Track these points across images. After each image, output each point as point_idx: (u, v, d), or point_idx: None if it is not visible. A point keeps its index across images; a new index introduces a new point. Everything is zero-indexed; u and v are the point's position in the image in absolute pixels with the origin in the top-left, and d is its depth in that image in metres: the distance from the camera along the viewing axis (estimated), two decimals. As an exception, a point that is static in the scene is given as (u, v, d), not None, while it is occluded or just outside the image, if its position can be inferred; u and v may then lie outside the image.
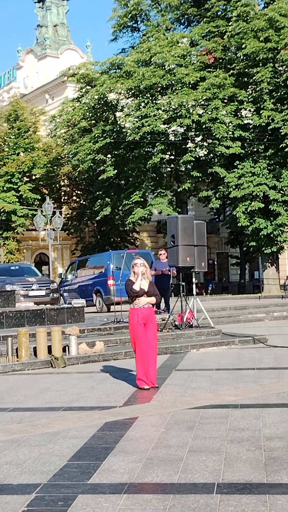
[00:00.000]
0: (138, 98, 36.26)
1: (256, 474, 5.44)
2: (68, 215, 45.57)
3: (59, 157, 43.54)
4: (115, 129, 37.99)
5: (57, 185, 45.66)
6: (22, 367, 12.33)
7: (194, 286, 17.12)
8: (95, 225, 46.21)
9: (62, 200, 46.51)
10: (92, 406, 8.62)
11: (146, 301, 9.79)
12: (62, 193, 46.74)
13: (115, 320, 16.47)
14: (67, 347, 13.18)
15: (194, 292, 17.09)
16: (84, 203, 46.46)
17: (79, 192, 46.92)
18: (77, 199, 47.15)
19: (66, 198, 46.99)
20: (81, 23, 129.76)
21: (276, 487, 5.12)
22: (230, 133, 34.52)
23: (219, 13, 37.89)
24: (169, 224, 16.33)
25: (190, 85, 35.02)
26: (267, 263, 36.74)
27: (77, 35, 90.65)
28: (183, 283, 15.99)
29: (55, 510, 4.78)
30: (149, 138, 35.24)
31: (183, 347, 14.25)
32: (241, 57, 34.46)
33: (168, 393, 9.36)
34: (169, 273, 18.34)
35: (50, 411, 8.45)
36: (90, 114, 39.32)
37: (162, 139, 35.92)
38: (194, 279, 17.18)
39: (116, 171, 37.96)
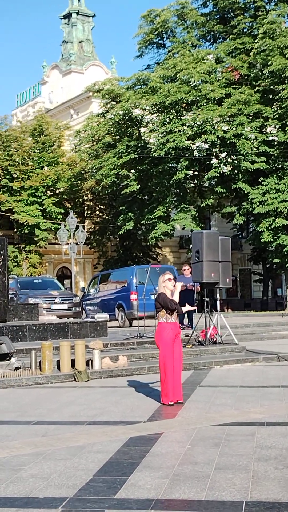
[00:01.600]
0: (163, 114, 36.35)
1: (284, 493, 5.36)
2: (90, 230, 45.66)
3: (83, 172, 43.67)
4: (139, 145, 38.10)
5: (81, 200, 45.80)
6: (45, 380, 12.31)
7: (218, 302, 17.02)
8: (118, 239, 46.26)
9: (85, 214, 46.63)
10: (116, 421, 8.58)
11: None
12: (85, 207, 46.87)
13: (138, 335, 16.42)
14: (90, 361, 13.15)
15: (218, 308, 16.99)
16: (107, 217, 46.56)
17: (102, 206, 47.02)
18: (100, 214, 47.24)
19: (89, 212, 47.12)
20: (106, 39, 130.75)
21: (306, 506, 5.03)
22: (255, 149, 34.47)
23: (245, 30, 38.06)
24: (194, 240, 16.28)
25: (215, 101, 35.07)
26: (291, 280, 36.55)
27: (102, 51, 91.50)
28: (207, 299, 15.91)
29: (82, 525, 4.74)
30: (173, 154, 35.28)
31: (206, 363, 14.17)
32: (267, 74, 34.47)
33: (193, 409, 9.30)
34: (193, 288, 18.23)
35: (74, 425, 8.41)
36: (115, 130, 39.45)
37: (187, 155, 35.94)
38: (218, 295, 17.10)
39: (139, 186, 38.01)
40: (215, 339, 16.20)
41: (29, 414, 9.31)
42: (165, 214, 36.94)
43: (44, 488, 5.70)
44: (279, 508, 5.01)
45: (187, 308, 10.39)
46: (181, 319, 17.79)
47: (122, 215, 39.56)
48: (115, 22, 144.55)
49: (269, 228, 34.21)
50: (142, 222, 39.05)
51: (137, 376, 13.03)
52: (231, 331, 16.79)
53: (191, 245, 39.81)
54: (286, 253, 34.70)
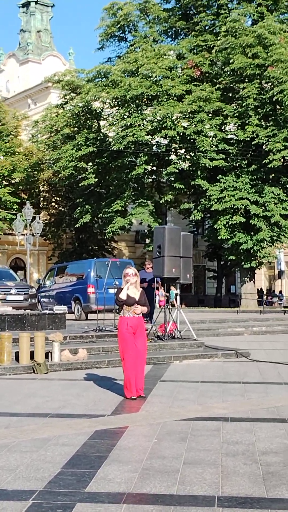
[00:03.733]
0: (123, 107, 36.23)
1: (255, 489, 5.37)
2: (46, 221, 45.27)
3: (40, 162, 43.32)
4: (98, 138, 37.95)
5: (37, 190, 45.38)
6: (3, 372, 12.15)
7: (178, 297, 17.03)
8: (73, 232, 46.03)
9: (40, 205, 46.20)
10: (80, 414, 8.50)
11: (143, 310, 9.74)
12: (41, 198, 46.45)
13: (97, 328, 16.34)
14: (49, 353, 13.01)
15: (178, 304, 17.00)
16: (63, 209, 46.24)
17: (58, 198, 46.69)
18: (56, 205, 46.91)
19: (45, 203, 46.72)
20: (64, 30, 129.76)
21: (278, 502, 5.05)
22: (214, 146, 34.60)
23: (207, 27, 38.09)
24: (156, 235, 16.24)
25: (176, 98, 35.09)
26: (246, 278, 36.82)
27: (60, 42, 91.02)
28: (168, 294, 15.91)
29: (54, 518, 4.67)
30: (132, 148, 35.20)
31: (166, 358, 14.16)
32: (228, 72, 34.60)
33: (156, 403, 9.27)
34: (154, 283, 18.18)
35: (38, 417, 8.30)
36: (74, 121, 39.21)
37: (146, 149, 35.91)
38: (178, 291, 17.09)
39: (97, 179, 37.87)
40: (174, 334, 16.21)
41: (-10, 405, 9.17)
42: (123, 209, 36.87)
43: (12, 480, 5.60)
44: (251, 503, 5.02)
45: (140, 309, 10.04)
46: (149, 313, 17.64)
47: (79, 208, 39.35)
48: (73, 13, 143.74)
49: (226, 225, 34.41)
50: (99, 216, 38.91)
51: (97, 369, 12.96)
52: (190, 327, 16.82)
53: (147, 240, 40.12)
54: (241, 251, 34.96)
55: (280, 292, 55.32)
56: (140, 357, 9.70)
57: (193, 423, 7.92)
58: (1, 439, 7.10)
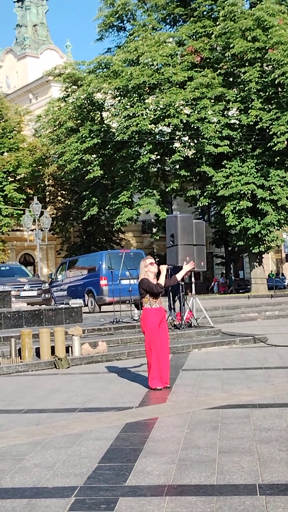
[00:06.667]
0: (126, 97, 36.12)
1: (295, 475, 5.38)
2: (53, 215, 45.28)
3: (45, 157, 43.27)
4: (102, 129, 37.90)
5: (42, 185, 45.36)
6: (26, 368, 12.19)
7: (193, 285, 17.03)
8: (81, 225, 46.04)
9: (47, 200, 46.21)
10: (107, 407, 8.52)
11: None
12: (47, 193, 46.44)
13: (114, 320, 16.36)
14: (69, 347, 13.05)
15: (194, 292, 17.00)
16: (69, 203, 46.24)
17: (64, 192, 46.68)
18: (62, 199, 46.90)
19: (51, 198, 46.72)
20: (60, 23, 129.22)
21: None
22: (218, 132, 34.47)
23: (205, 13, 37.83)
24: (168, 224, 16.23)
25: (178, 85, 34.94)
26: (255, 263, 36.75)
27: (56, 35, 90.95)
28: (183, 283, 15.91)
29: (99, 513, 4.69)
30: (136, 138, 35.12)
31: (184, 347, 14.18)
32: (229, 57, 34.43)
33: (182, 393, 9.28)
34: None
35: (66, 413, 8.32)
36: (77, 114, 39.13)
37: (150, 139, 35.82)
38: (193, 279, 17.10)
39: (102, 171, 37.83)
40: (190, 323, 16.22)
41: (17, 402, 9.19)
42: (129, 199, 36.82)
43: (51, 477, 5.62)
44: (293, 489, 5.02)
45: (181, 273, 10.26)
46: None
47: (86, 201, 39.33)
48: (69, 5, 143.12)
49: (233, 211, 34.34)
50: (106, 208, 38.89)
51: (117, 361, 12.99)
52: (206, 314, 16.84)
53: (154, 229, 40.11)
54: (249, 236, 34.89)
55: (283, 274, 55.29)
56: (165, 348, 9.74)
57: (222, 411, 7.92)
58: (34, 436, 7.13)
